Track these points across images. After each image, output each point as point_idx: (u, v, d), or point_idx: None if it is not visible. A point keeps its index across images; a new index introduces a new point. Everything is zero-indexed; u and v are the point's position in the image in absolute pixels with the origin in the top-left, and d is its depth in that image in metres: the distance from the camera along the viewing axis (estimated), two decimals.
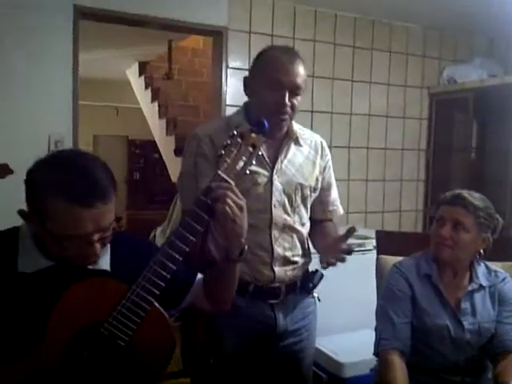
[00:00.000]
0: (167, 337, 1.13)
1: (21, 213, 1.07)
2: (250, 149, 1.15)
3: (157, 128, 5.48)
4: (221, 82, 3.26)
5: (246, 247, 1.23)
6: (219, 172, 1.12)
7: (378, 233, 2.07)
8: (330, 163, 1.76)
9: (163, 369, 1.13)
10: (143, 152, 8.24)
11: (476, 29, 3.92)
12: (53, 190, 1.00)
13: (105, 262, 1.17)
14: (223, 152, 1.13)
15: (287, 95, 1.49)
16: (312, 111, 3.51)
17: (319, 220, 1.75)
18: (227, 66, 3.27)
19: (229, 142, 1.13)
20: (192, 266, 1.35)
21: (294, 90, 1.51)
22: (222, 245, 1.46)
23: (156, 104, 5.38)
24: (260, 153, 1.20)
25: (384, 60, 3.83)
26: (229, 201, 1.10)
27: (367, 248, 2.97)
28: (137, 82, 5.97)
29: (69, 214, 1.01)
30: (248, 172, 1.16)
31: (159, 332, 1.12)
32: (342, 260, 1.48)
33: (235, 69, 3.29)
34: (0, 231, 1.15)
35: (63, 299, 1.05)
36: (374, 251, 2.08)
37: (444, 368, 1.62)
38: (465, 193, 1.62)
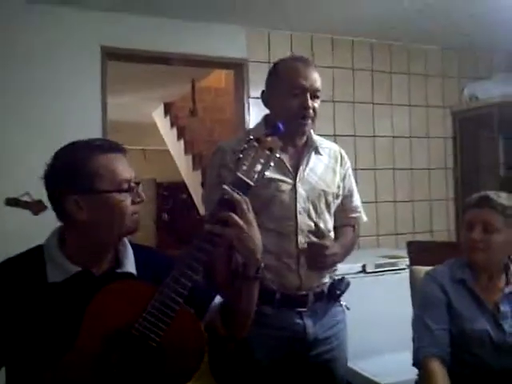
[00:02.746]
0: (197, 336, 1.14)
1: (56, 200, 1.16)
2: (268, 152, 1.18)
3: (183, 165, 5.60)
4: (243, 112, 3.34)
5: (263, 265, 1.24)
6: (238, 174, 1.15)
7: (409, 243, 2.05)
8: (350, 171, 1.80)
9: (195, 369, 1.13)
10: (171, 193, 8.39)
11: (495, 44, 3.93)
12: (89, 150, 1.15)
13: (131, 266, 1.21)
14: (241, 156, 1.17)
15: (309, 99, 1.56)
16: (335, 135, 3.54)
17: (340, 227, 1.77)
18: (249, 96, 3.36)
19: (246, 146, 1.17)
20: (218, 282, 1.36)
21: (315, 93, 1.59)
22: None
23: (182, 142, 5.52)
24: (277, 155, 1.21)
25: (403, 82, 3.86)
26: (230, 214, 1.13)
27: (400, 267, 2.93)
28: (163, 122, 6.15)
29: (111, 163, 1.15)
30: (267, 174, 1.18)
31: (189, 332, 1.13)
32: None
33: (257, 98, 3.35)
34: (25, 251, 1.20)
35: (94, 302, 1.08)
36: (407, 270, 2.05)
37: (487, 375, 1.56)
38: (491, 193, 1.60)
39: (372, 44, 3.75)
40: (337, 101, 3.64)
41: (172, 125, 5.85)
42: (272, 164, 1.19)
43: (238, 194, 1.14)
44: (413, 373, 1.71)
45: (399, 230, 3.81)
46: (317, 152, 1.70)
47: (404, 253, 2.83)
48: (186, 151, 5.45)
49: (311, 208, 1.63)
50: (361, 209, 1.83)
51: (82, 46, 2.99)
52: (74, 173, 1.13)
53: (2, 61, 2.80)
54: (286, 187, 1.60)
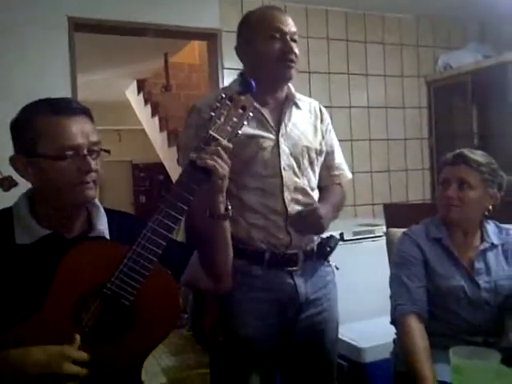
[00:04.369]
0: (172, 296, 1.13)
1: (11, 159, 1.12)
2: (240, 111, 1.16)
3: (159, 142, 5.53)
4: (218, 83, 3.29)
5: (229, 204, 1.25)
6: (210, 132, 1.13)
7: (385, 206, 2.06)
8: (330, 127, 1.75)
9: (169, 328, 1.12)
10: (148, 175, 8.31)
11: (467, 15, 3.94)
12: (39, 111, 1.10)
13: (104, 230, 1.18)
14: (213, 114, 1.15)
15: (290, 41, 1.53)
16: None
17: (326, 186, 1.73)
18: (223, 67, 3.31)
19: (218, 104, 1.15)
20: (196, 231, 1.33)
21: (293, 37, 1.55)
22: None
23: (156, 118, 5.44)
24: (251, 114, 1.19)
25: (378, 52, 3.86)
26: (218, 159, 1.13)
27: (377, 235, 2.96)
28: (136, 100, 6.05)
29: (58, 125, 1.08)
30: (248, 130, 1.17)
31: (163, 291, 1.12)
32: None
33: (231, 69, 3.31)
34: None
35: (64, 261, 1.05)
36: (384, 238, 2.06)
37: (464, 330, 1.58)
38: (465, 151, 1.61)
39: (346, 13, 3.72)
40: (312, 71, 3.61)
41: (146, 102, 5.76)
42: (245, 123, 1.17)
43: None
44: (391, 337, 1.73)
45: (376, 200, 3.84)
46: (297, 107, 1.65)
47: (381, 221, 2.87)
48: (161, 128, 5.38)
49: (295, 164, 1.59)
50: (344, 166, 1.78)
51: (47, 17, 2.88)
52: (18, 133, 1.11)
53: None
54: (268, 143, 1.55)
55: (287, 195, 1.57)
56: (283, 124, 1.59)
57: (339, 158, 1.77)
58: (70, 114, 1.10)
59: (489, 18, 4.00)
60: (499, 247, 1.63)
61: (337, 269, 1.74)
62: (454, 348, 1.09)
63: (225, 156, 1.14)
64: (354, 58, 3.77)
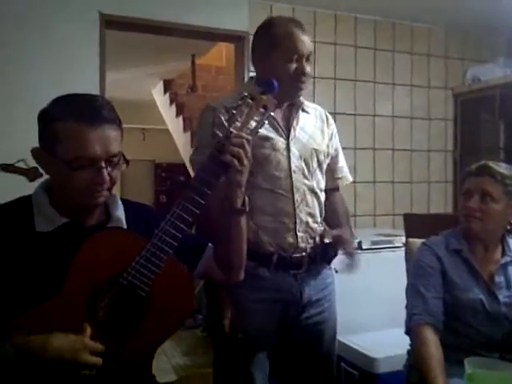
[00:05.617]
0: (186, 287, 1.15)
1: (32, 150, 1.12)
2: (262, 110, 1.17)
3: (182, 142, 5.56)
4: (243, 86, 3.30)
5: (247, 198, 1.26)
6: (231, 129, 1.14)
7: (405, 216, 2.04)
8: (335, 131, 1.81)
9: (183, 320, 1.14)
10: (169, 175, 8.37)
11: (497, 28, 3.89)
12: (62, 114, 1.07)
13: (121, 221, 1.20)
14: (234, 112, 1.16)
15: (305, 63, 1.57)
16: (335, 113, 3.51)
17: (329, 189, 1.79)
18: (249, 70, 3.32)
19: (240, 102, 1.16)
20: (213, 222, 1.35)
21: (309, 58, 1.60)
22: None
23: (181, 118, 5.48)
24: (272, 114, 1.22)
25: (406, 62, 3.83)
26: (240, 152, 1.14)
27: (396, 245, 2.93)
28: (162, 100, 6.10)
29: (77, 134, 1.05)
30: (262, 132, 1.18)
31: (178, 283, 1.13)
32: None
33: None
34: (13, 200, 1.18)
35: (82, 250, 1.07)
36: (403, 248, 2.04)
37: (480, 344, 1.55)
38: (490, 163, 1.59)
39: (375, 22, 3.71)
40: (338, 78, 3.60)
41: (171, 102, 5.80)
42: (266, 122, 1.19)
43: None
44: (405, 348, 1.71)
45: (396, 211, 3.79)
46: (304, 111, 1.71)
47: (401, 232, 2.84)
48: (185, 128, 5.41)
49: (304, 167, 1.65)
50: (346, 169, 1.86)
51: (80, 12, 2.92)
52: (42, 126, 1.11)
53: None
54: (280, 146, 1.61)
55: (297, 197, 1.62)
56: (292, 128, 1.65)
57: (342, 162, 1.84)
58: (93, 122, 1.06)
59: None
60: None
61: (336, 272, 1.78)
62: (470, 358, 1.08)
63: (248, 148, 1.15)
64: (381, 66, 3.75)
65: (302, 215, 1.62)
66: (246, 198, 1.26)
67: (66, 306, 1.05)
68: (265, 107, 1.17)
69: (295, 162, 1.62)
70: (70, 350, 0.98)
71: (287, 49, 1.55)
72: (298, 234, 1.61)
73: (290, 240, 1.60)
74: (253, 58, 1.68)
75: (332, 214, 1.78)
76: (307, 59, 1.59)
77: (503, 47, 4.05)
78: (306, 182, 1.64)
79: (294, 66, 1.56)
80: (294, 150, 1.63)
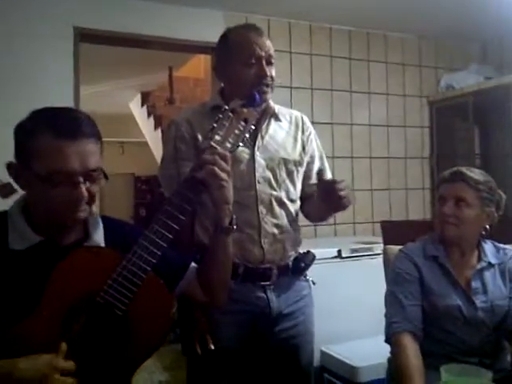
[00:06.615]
0: (165, 306, 1.12)
1: (8, 165, 1.10)
2: (243, 123, 1.16)
3: (161, 155, 5.52)
4: None
5: (235, 217, 1.25)
6: (212, 143, 1.14)
7: (383, 223, 2.05)
8: (313, 136, 1.77)
9: (161, 340, 1.11)
10: (149, 188, 8.30)
11: (470, 37, 3.97)
12: (39, 127, 1.05)
13: (99, 239, 1.17)
14: (215, 125, 1.15)
15: (265, 66, 1.55)
16: (312, 122, 3.50)
17: (309, 195, 1.72)
18: None
19: (220, 116, 1.15)
20: (184, 253, 1.35)
21: (270, 60, 1.57)
22: (210, 228, 1.46)
23: (159, 131, 5.45)
24: (253, 127, 1.21)
25: (381, 71, 3.87)
26: (216, 166, 1.13)
27: (376, 252, 2.94)
28: (140, 112, 6.07)
29: (55, 148, 1.03)
30: (241, 145, 1.18)
31: (156, 302, 1.11)
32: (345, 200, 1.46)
33: None
34: None
35: (58, 268, 1.04)
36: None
37: (459, 350, 1.56)
38: (464, 168, 1.60)
39: (350, 32, 3.75)
40: (315, 88, 3.63)
41: (149, 114, 5.78)
42: (247, 135, 1.18)
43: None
44: (387, 356, 1.71)
45: (376, 218, 3.81)
46: (277, 119, 1.68)
47: (380, 239, 2.85)
48: None
49: (271, 177, 1.61)
50: (327, 172, 1.78)
51: (54, 26, 2.88)
52: (18, 140, 1.09)
53: None
54: (243, 157, 1.57)
55: (262, 209, 1.59)
56: (259, 137, 1.61)
57: (320, 166, 1.76)
58: (71, 137, 1.04)
59: (491, 39, 4.03)
60: (496, 266, 1.62)
61: (313, 284, 1.75)
62: (446, 365, 1.08)
63: (223, 164, 1.14)
64: (357, 76, 3.78)
65: (268, 227, 1.59)
66: (234, 217, 1.24)
67: (41, 326, 1.02)
68: (245, 120, 1.17)
69: (261, 173, 1.59)
70: (38, 373, 0.95)
71: (243, 53, 1.54)
72: (264, 246, 1.58)
73: (256, 252, 1.57)
74: (216, 70, 1.67)
75: (313, 209, 1.71)
76: (268, 62, 1.56)
77: (475, 55, 4.13)
78: (273, 192, 1.61)
79: (253, 70, 1.54)
80: (259, 159, 1.59)
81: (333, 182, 1.46)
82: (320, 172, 1.61)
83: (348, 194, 1.46)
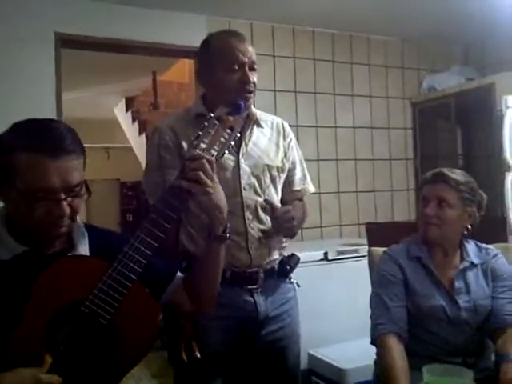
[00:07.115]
0: (150, 315, 1.11)
1: None
2: (228, 131, 1.17)
3: None
4: None
5: (229, 225, 1.25)
6: (197, 151, 1.13)
7: (368, 225, 2.05)
8: (294, 143, 1.77)
9: (147, 349, 1.09)
10: (135, 193, 8.25)
11: (451, 39, 4.02)
12: (19, 143, 1.02)
13: (84, 249, 1.16)
14: (200, 133, 1.15)
15: (248, 72, 1.55)
16: (297, 125, 3.54)
17: (287, 201, 1.73)
18: None
19: (206, 124, 1.15)
20: (169, 261, 1.34)
21: (252, 66, 1.57)
22: (196, 236, 1.51)
23: (144, 136, 5.43)
24: (238, 135, 1.22)
25: (364, 73, 3.90)
26: (201, 171, 1.12)
27: (362, 254, 2.95)
28: (124, 118, 6.05)
29: (35, 166, 1.01)
30: (226, 152, 1.18)
31: (142, 310, 1.10)
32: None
33: None
34: None
35: (42, 277, 1.03)
36: None
37: (444, 351, 1.57)
38: (445, 170, 1.62)
39: (333, 35, 3.77)
40: (299, 91, 3.64)
41: (134, 119, 5.76)
42: (232, 143, 1.19)
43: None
44: (374, 358, 1.71)
45: (362, 220, 3.83)
46: (258, 125, 1.68)
47: (366, 241, 2.86)
48: None
49: (256, 183, 1.62)
50: (307, 180, 1.80)
51: (35, 31, 2.86)
52: (5, 155, 1.04)
53: None
54: (229, 164, 1.58)
55: (248, 215, 1.59)
56: (243, 144, 1.62)
57: (300, 173, 1.78)
58: (52, 153, 1.01)
59: (472, 41, 4.08)
60: (479, 266, 1.63)
61: (298, 286, 1.76)
62: (428, 366, 1.08)
63: (208, 170, 1.14)
64: (340, 78, 3.81)
65: (254, 232, 1.59)
66: (228, 225, 1.24)
67: (26, 337, 1.00)
68: (231, 128, 1.17)
69: (246, 179, 1.60)
70: None
71: (226, 60, 1.54)
72: (251, 251, 1.58)
73: (243, 258, 1.58)
74: (198, 76, 1.67)
75: None
76: (251, 68, 1.56)
77: (457, 57, 4.18)
78: (258, 198, 1.61)
79: (236, 76, 1.53)
80: (244, 166, 1.60)
81: (278, 213, 1.56)
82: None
83: (289, 227, 1.56)
